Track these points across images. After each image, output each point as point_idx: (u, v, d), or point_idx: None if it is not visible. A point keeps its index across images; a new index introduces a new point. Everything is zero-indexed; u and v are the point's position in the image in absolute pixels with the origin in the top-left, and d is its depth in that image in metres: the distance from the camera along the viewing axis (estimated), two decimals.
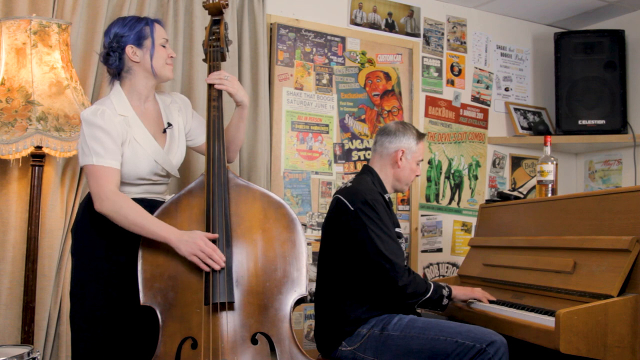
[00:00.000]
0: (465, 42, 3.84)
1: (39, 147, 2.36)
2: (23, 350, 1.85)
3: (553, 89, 3.74)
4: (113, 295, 2.02)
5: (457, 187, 3.74)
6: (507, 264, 2.58)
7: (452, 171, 3.73)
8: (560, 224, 2.43)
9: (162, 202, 2.13)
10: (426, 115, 3.67)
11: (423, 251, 3.62)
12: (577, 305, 1.97)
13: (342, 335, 2.23)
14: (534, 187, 3.25)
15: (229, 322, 1.88)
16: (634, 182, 3.65)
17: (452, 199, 3.72)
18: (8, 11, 2.61)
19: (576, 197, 2.40)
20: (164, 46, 2.11)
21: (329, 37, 3.41)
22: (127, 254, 2.00)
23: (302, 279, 1.97)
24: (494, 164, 3.87)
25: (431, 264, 3.63)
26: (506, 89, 3.97)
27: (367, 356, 2.19)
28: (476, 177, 3.79)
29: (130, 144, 2.03)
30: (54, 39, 2.40)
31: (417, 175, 2.50)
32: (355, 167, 3.42)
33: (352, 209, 2.26)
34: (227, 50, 2.24)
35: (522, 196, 3.00)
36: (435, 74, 3.73)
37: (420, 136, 2.49)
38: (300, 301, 1.99)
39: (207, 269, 1.88)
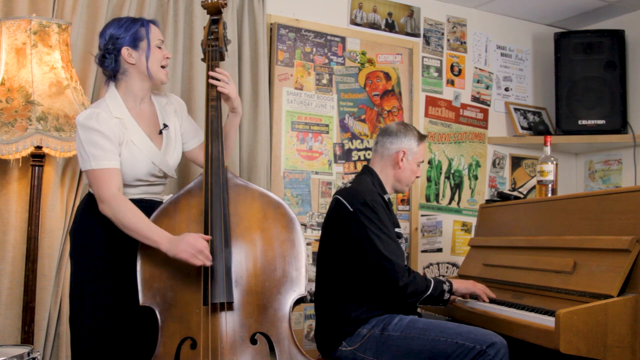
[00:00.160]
0: (465, 42, 3.84)
1: (39, 147, 2.36)
2: (23, 350, 1.86)
3: (553, 89, 3.74)
4: (113, 295, 2.02)
5: (457, 187, 3.74)
6: (507, 264, 2.57)
7: (452, 171, 3.73)
8: (560, 224, 2.42)
9: (160, 202, 2.13)
10: (426, 115, 3.67)
11: (423, 251, 3.62)
12: (577, 305, 1.96)
13: (342, 335, 2.23)
14: (534, 187, 3.24)
15: (228, 322, 1.88)
16: (634, 182, 3.64)
17: (452, 199, 3.72)
18: (8, 11, 2.61)
19: (576, 197, 2.40)
20: (159, 47, 2.10)
21: (329, 37, 3.41)
22: (127, 254, 2.00)
23: (301, 278, 1.97)
24: (494, 164, 3.86)
25: (431, 264, 3.63)
26: (506, 89, 3.96)
27: (367, 356, 2.18)
28: (476, 177, 3.79)
29: (127, 145, 2.02)
30: (54, 39, 2.40)
31: (417, 177, 2.50)
32: (355, 167, 3.41)
33: (351, 209, 2.26)
34: (226, 50, 2.24)
35: (522, 196, 3.00)
36: (435, 74, 3.73)
37: (421, 137, 2.49)
38: (299, 301, 1.99)
39: (198, 262, 1.87)
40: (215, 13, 2.22)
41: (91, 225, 2.04)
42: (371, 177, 2.43)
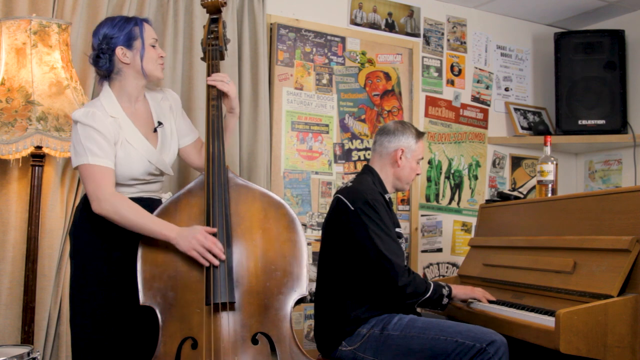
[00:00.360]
0: (465, 42, 3.84)
1: (39, 147, 2.36)
2: (23, 350, 1.86)
3: (553, 89, 3.74)
4: (113, 295, 2.02)
5: (457, 187, 3.74)
6: (507, 264, 2.58)
7: (452, 171, 3.73)
8: (560, 224, 2.43)
9: (159, 200, 2.13)
10: (426, 115, 3.67)
11: (423, 251, 3.62)
12: (577, 305, 1.97)
13: (342, 335, 2.23)
14: (534, 187, 3.25)
15: (230, 322, 1.88)
16: (634, 182, 3.65)
17: (452, 199, 3.72)
18: (8, 11, 2.61)
19: (576, 197, 2.40)
20: (153, 46, 2.09)
21: (329, 37, 3.41)
22: (126, 253, 2.00)
23: (302, 279, 1.96)
24: (494, 164, 3.87)
25: (431, 264, 3.63)
26: (506, 89, 3.97)
27: (367, 356, 2.19)
28: (476, 177, 3.79)
29: (122, 145, 2.02)
30: (54, 39, 2.40)
31: (417, 174, 2.50)
32: (355, 167, 3.42)
33: (352, 208, 2.26)
34: (226, 49, 2.24)
35: (522, 196, 3.00)
36: (435, 74, 3.73)
37: (419, 135, 2.49)
38: (299, 301, 1.98)
39: (206, 263, 1.87)
40: (214, 12, 2.22)
41: (91, 225, 2.04)
42: (372, 177, 2.43)
